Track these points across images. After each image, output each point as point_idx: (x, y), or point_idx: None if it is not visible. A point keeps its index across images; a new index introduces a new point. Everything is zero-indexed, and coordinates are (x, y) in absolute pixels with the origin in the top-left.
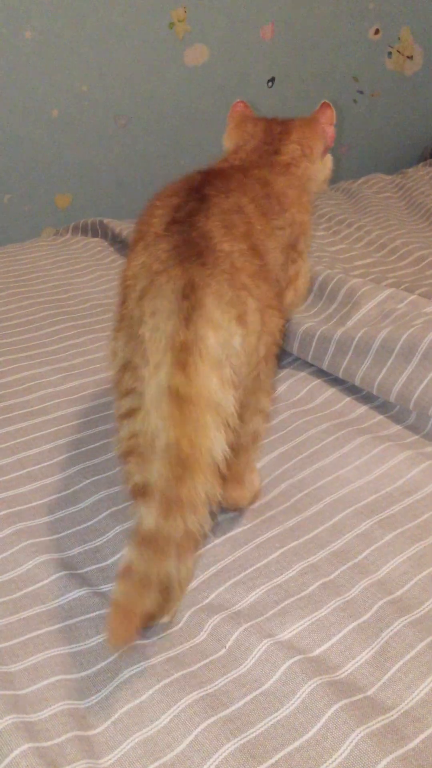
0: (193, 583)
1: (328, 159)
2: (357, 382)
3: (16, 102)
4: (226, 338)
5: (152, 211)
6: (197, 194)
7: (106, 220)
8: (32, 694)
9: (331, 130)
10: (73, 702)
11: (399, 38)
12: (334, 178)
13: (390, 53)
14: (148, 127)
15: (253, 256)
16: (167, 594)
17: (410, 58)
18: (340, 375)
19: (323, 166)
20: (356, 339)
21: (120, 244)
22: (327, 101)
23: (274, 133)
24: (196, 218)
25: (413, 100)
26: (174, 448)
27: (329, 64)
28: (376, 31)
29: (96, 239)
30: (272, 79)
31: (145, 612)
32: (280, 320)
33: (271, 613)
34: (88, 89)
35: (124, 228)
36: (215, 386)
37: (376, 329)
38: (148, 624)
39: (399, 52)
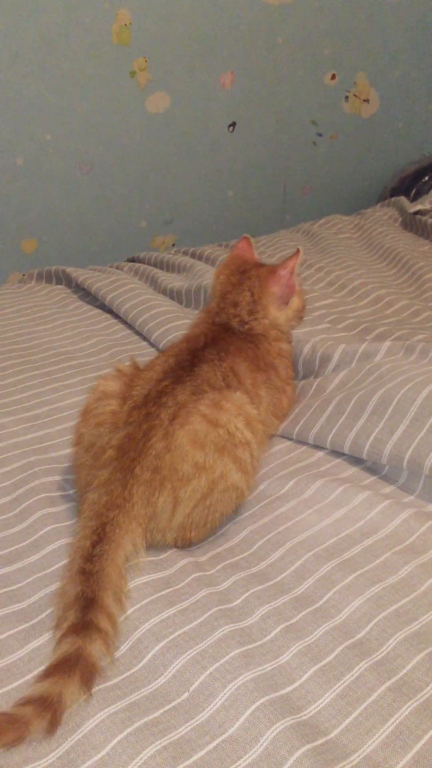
0: (159, 618)
1: (294, 302)
2: (311, 440)
3: None
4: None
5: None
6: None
7: (68, 269)
8: None
9: (290, 279)
10: (31, 766)
11: (355, 83)
12: (295, 220)
13: (347, 97)
14: (112, 174)
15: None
16: None
17: (366, 101)
18: (294, 436)
19: (288, 308)
20: (314, 407)
21: (83, 292)
22: (300, 248)
23: (233, 283)
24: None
25: (370, 142)
26: None
27: (288, 109)
28: (333, 77)
29: (60, 286)
30: (233, 124)
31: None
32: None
33: (234, 655)
34: (51, 138)
35: (88, 277)
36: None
37: (332, 395)
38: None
39: (355, 96)
